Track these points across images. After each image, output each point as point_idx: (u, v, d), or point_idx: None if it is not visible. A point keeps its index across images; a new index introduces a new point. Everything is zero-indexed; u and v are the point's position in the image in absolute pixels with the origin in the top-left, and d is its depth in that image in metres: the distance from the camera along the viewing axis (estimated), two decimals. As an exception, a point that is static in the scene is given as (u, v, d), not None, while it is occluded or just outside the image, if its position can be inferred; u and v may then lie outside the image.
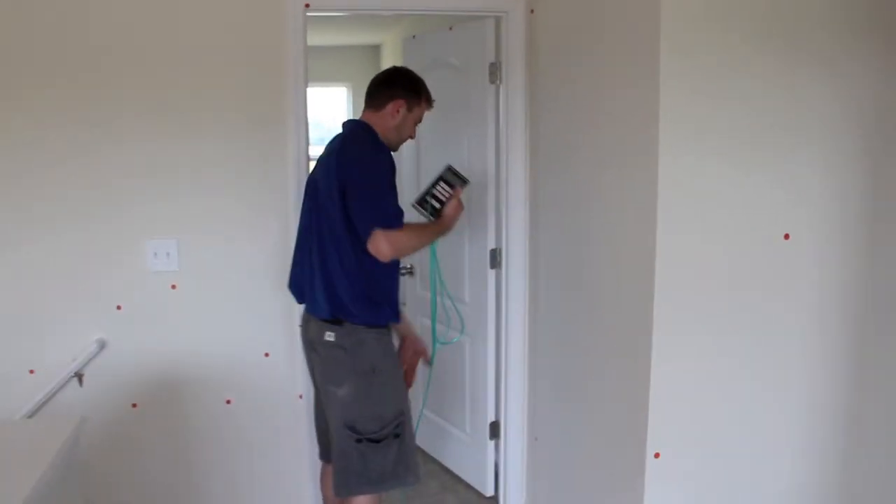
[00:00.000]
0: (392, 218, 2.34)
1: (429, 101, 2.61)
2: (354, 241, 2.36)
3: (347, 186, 2.35)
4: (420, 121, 2.63)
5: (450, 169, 2.59)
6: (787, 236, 2.23)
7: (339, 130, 2.56)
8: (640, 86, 2.18)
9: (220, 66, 2.77)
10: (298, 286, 2.61)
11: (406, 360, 2.72)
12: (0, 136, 2.66)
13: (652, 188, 2.11)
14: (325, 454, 2.69)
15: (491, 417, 3.29)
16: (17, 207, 2.71)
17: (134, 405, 2.88)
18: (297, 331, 2.88)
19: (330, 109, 6.59)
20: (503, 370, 3.17)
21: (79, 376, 2.82)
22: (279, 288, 2.88)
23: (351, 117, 2.68)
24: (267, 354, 2.94)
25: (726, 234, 2.19)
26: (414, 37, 3.59)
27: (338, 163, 2.40)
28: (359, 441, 2.41)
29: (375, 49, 6.25)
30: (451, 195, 2.56)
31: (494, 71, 3.02)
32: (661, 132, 2.06)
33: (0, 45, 2.62)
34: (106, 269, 2.78)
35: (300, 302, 2.63)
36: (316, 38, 6.46)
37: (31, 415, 2.75)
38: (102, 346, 2.81)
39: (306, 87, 2.84)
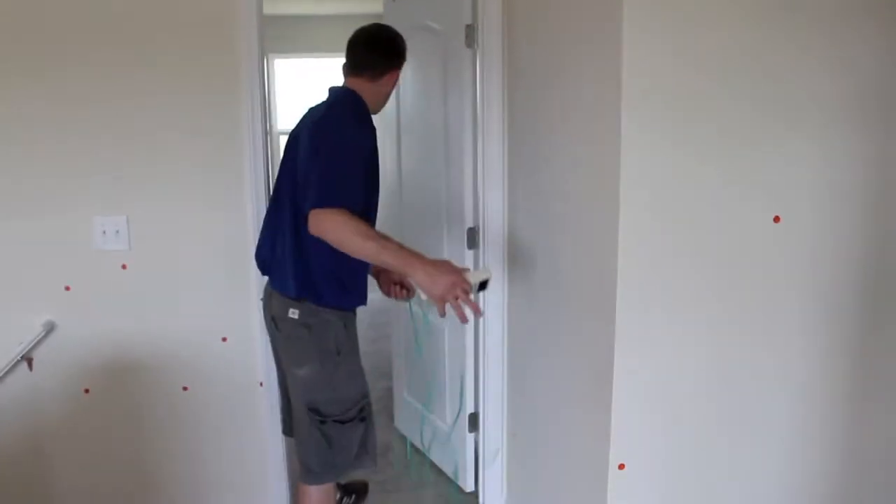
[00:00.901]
0: (341, 198, 2.00)
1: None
2: None
3: (316, 143, 2.15)
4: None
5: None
6: (777, 219, 1.95)
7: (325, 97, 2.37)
8: (602, 49, 1.92)
9: (171, 34, 2.57)
10: (262, 258, 2.41)
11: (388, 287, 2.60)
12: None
13: (613, 164, 1.85)
14: (286, 427, 2.60)
15: (470, 409, 3.08)
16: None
17: (86, 391, 2.74)
18: (256, 315, 2.74)
19: (332, 81, 6.34)
20: (481, 359, 2.95)
21: (28, 360, 2.69)
22: (236, 270, 2.73)
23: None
24: (224, 339, 2.77)
25: (703, 216, 1.92)
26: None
27: (313, 133, 2.20)
28: (323, 422, 2.28)
29: (378, 18, 5.97)
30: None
31: (471, 34, 2.77)
32: (623, 98, 1.80)
33: None
34: (53, 247, 2.64)
35: (264, 273, 2.43)
36: (316, 8, 6.28)
37: (-24, 399, 2.63)
38: (51, 328, 2.67)
39: (261, 59, 2.66)
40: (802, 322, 2.04)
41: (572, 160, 2.16)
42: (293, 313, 2.25)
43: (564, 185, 2.24)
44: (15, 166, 2.57)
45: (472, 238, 2.92)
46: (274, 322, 2.35)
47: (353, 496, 3.10)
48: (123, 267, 2.67)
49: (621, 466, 1.97)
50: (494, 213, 2.79)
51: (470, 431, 3.10)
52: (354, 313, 2.38)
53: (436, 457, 3.41)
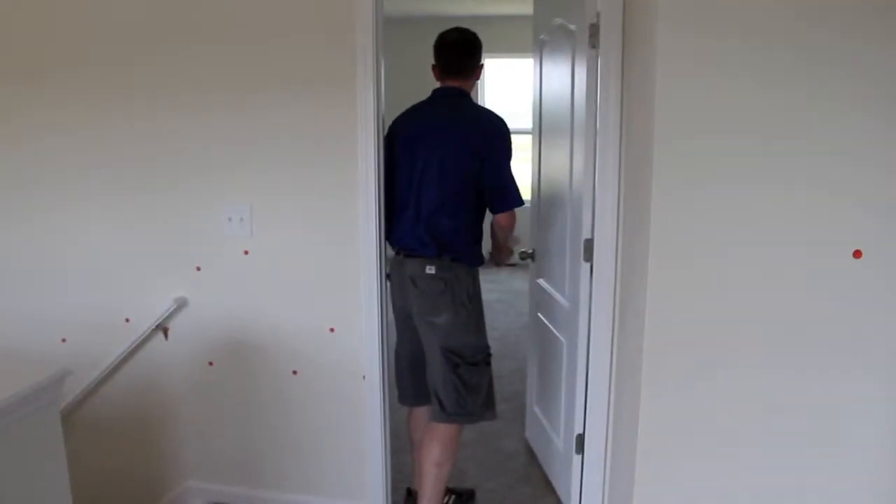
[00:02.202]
0: (520, 200, 2.79)
1: None
2: (474, 198, 2.73)
3: (488, 157, 2.70)
4: None
5: None
6: (857, 253, 1.62)
7: (437, 97, 2.85)
8: (644, 61, 1.72)
9: (292, 39, 2.71)
10: (398, 235, 2.81)
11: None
12: (95, 109, 2.85)
13: (646, 189, 1.65)
14: (407, 398, 2.98)
15: (579, 429, 2.92)
16: (116, 176, 2.90)
17: (210, 363, 2.98)
18: (363, 309, 2.82)
19: (514, 82, 6.26)
20: (591, 378, 2.78)
21: (164, 330, 2.97)
22: (346, 264, 2.82)
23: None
24: (332, 330, 2.86)
25: (770, 251, 1.65)
26: (542, -2, 3.25)
27: (474, 131, 2.73)
28: (457, 366, 2.68)
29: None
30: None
31: (595, 33, 2.60)
32: (655, 120, 1.59)
33: (89, 27, 2.81)
34: (187, 232, 2.90)
35: (400, 247, 2.82)
36: (500, 8, 6.25)
37: (121, 360, 2.96)
38: (183, 303, 2.93)
39: (377, 63, 2.68)
40: (888, 380, 1.69)
41: (636, 180, 1.97)
42: (430, 269, 2.69)
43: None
44: (157, 160, 2.86)
45: (589, 250, 2.76)
46: (412, 281, 2.73)
47: (454, 497, 3.08)
48: (245, 253, 2.86)
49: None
50: (607, 227, 2.61)
51: (577, 453, 2.94)
52: (478, 271, 2.81)
53: (551, 473, 3.28)
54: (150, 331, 2.93)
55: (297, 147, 2.77)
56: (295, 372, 2.92)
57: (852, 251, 1.61)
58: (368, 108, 2.70)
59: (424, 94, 2.90)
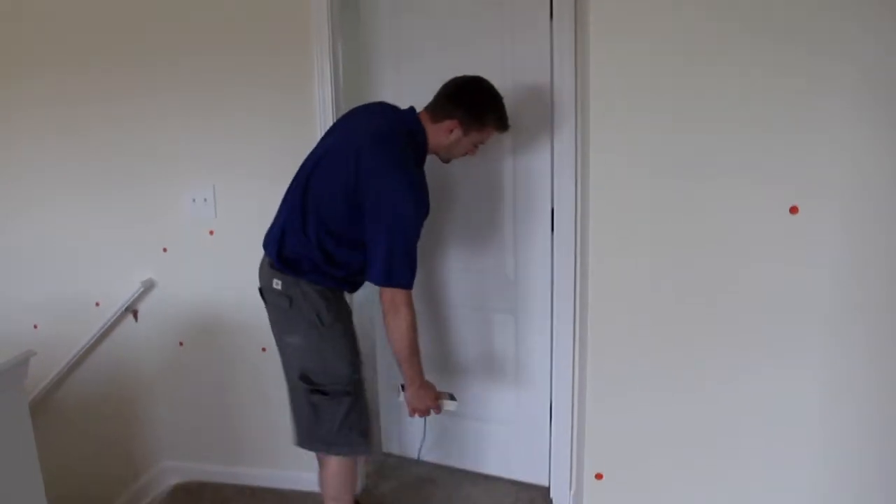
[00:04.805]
0: (412, 278, 2.20)
1: (499, 128, 2.35)
2: (345, 237, 2.23)
3: (381, 207, 2.14)
4: (483, 143, 2.39)
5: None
6: (794, 209, 1.63)
7: (393, 109, 2.37)
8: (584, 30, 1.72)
9: (250, 25, 2.73)
10: (268, 229, 2.43)
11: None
12: (66, 104, 2.91)
13: (585, 147, 1.66)
14: None
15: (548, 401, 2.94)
16: (83, 164, 2.94)
17: (181, 343, 3.00)
18: None
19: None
20: (553, 350, 2.81)
21: (134, 312, 2.99)
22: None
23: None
24: (297, 308, 2.88)
25: (703, 207, 1.66)
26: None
27: (378, 165, 2.16)
28: (311, 392, 2.31)
29: None
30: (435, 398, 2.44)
31: (550, 2, 2.60)
32: (592, 67, 1.60)
33: (56, 26, 2.85)
34: (152, 214, 2.92)
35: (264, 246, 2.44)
36: None
37: (92, 343, 2.98)
38: (151, 285, 2.95)
39: (333, 47, 2.70)
40: (823, 340, 1.70)
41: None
42: (277, 284, 2.30)
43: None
44: (121, 145, 2.89)
45: (552, 220, 2.77)
46: (261, 292, 2.42)
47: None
48: (211, 233, 2.88)
49: (599, 476, 1.78)
50: (566, 197, 2.63)
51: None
52: (338, 292, 2.35)
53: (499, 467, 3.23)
54: (119, 314, 2.95)
55: (257, 129, 2.79)
56: (264, 349, 2.94)
57: (789, 206, 1.62)
58: (326, 91, 2.71)
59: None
